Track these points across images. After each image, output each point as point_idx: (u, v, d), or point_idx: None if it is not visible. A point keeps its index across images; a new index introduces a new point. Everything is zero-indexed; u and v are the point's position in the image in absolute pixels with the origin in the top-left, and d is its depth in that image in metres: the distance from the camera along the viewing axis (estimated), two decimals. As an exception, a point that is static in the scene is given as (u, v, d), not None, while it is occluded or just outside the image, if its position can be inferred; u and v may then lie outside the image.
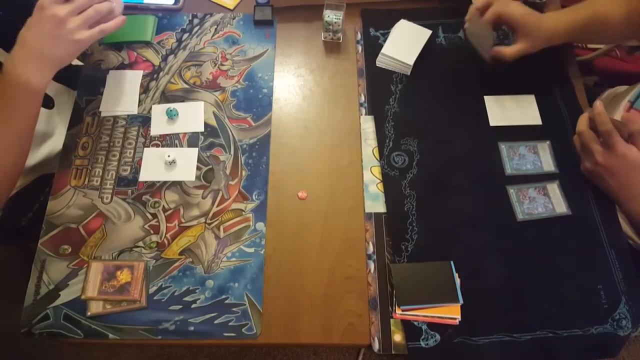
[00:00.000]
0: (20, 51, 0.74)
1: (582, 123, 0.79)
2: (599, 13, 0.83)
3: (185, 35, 0.99)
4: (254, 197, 0.83)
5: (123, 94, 0.92)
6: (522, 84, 0.92)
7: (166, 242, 0.79)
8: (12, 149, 0.76)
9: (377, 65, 0.95)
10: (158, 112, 0.90)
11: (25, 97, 0.75)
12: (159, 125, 0.89)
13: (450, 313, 0.73)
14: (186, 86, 0.93)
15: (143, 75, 0.94)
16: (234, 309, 0.74)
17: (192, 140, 0.88)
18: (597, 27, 0.84)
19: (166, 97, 0.92)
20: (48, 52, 0.75)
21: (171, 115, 0.89)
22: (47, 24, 0.73)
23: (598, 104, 0.75)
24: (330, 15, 0.93)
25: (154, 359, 1.42)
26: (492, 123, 0.88)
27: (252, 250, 0.78)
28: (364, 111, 0.91)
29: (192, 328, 0.73)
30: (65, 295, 0.75)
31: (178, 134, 0.88)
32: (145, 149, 0.87)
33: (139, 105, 0.91)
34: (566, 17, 0.84)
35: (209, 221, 0.81)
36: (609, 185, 0.77)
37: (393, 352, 0.71)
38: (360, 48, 0.98)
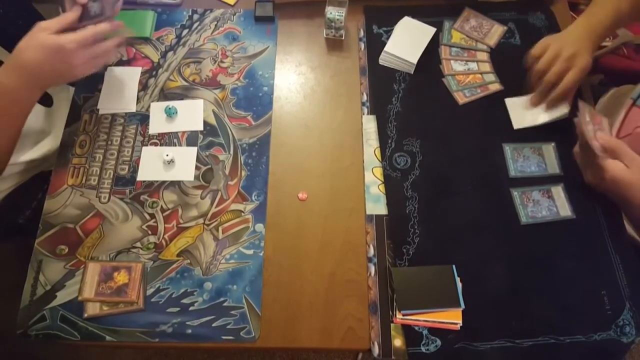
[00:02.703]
0: (17, 70, 0.70)
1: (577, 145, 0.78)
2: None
3: (185, 32, 0.97)
4: (253, 198, 0.81)
5: (121, 91, 0.91)
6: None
7: (164, 243, 0.78)
8: None
9: (379, 63, 0.93)
10: (157, 110, 0.88)
11: (12, 110, 0.73)
12: (157, 124, 0.87)
13: (452, 318, 0.72)
14: (185, 84, 0.92)
15: (142, 72, 0.92)
16: (232, 312, 0.73)
17: (191, 139, 0.86)
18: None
19: (165, 94, 0.90)
20: (46, 79, 0.74)
21: (170, 114, 0.87)
22: (52, 55, 0.70)
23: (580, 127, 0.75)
24: (332, 12, 0.91)
25: (153, 355, 1.42)
26: (516, 126, 0.87)
27: (251, 252, 0.77)
28: (366, 111, 0.89)
29: (189, 331, 0.72)
30: (62, 297, 0.74)
31: (177, 132, 0.87)
32: (144, 147, 0.85)
33: (137, 103, 0.89)
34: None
35: (207, 222, 0.79)
36: (612, 197, 0.77)
37: (393, 357, 0.71)
38: (362, 46, 0.96)
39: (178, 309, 0.74)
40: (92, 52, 0.74)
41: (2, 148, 0.76)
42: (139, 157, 0.84)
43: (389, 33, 0.96)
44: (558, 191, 0.81)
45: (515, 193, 0.81)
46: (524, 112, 0.87)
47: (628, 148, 0.72)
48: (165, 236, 0.79)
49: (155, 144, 0.86)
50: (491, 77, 0.92)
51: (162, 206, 0.81)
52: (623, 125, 0.86)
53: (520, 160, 0.84)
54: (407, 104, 0.89)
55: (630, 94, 0.88)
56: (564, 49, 0.80)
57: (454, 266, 0.74)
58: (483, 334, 0.72)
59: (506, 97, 0.89)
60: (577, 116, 0.75)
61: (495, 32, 0.96)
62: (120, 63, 0.94)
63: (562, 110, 0.83)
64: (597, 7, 0.83)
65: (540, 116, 0.86)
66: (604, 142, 0.71)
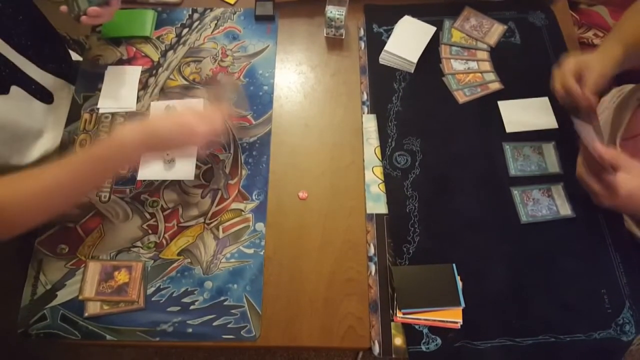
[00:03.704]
0: (143, 131, 0.69)
1: (579, 165, 0.76)
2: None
3: (185, 31, 0.97)
4: (253, 197, 0.81)
5: (121, 90, 0.91)
6: (530, 85, 0.90)
7: (164, 242, 0.78)
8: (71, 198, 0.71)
9: (380, 62, 0.93)
10: (157, 109, 0.88)
11: (114, 165, 0.72)
12: (157, 123, 0.87)
13: (452, 317, 0.72)
14: (185, 82, 0.91)
15: (142, 71, 0.92)
16: (232, 311, 0.73)
17: (192, 138, 0.86)
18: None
19: (165, 93, 0.90)
20: (164, 144, 0.72)
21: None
22: (180, 129, 0.69)
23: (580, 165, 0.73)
24: (332, 11, 0.91)
25: (154, 354, 1.42)
26: (509, 130, 0.86)
27: (251, 251, 0.77)
28: (366, 110, 0.89)
29: (190, 330, 0.72)
30: (63, 296, 0.74)
31: (177, 131, 0.87)
32: (144, 146, 0.85)
33: (137, 102, 0.89)
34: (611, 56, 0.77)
35: (208, 221, 0.79)
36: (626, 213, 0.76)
37: (393, 356, 0.71)
38: (363, 45, 0.96)
39: (179, 308, 0.74)
40: (213, 131, 0.72)
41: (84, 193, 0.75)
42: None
43: (389, 32, 0.95)
44: (558, 190, 0.81)
45: (516, 192, 0.81)
46: (516, 117, 0.87)
47: (625, 156, 0.69)
48: (166, 235, 0.79)
49: (156, 143, 0.86)
50: (491, 76, 0.92)
51: (162, 205, 0.81)
52: (629, 126, 0.86)
53: (520, 159, 0.84)
54: (408, 103, 0.89)
55: (637, 95, 0.87)
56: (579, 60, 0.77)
57: (454, 265, 0.74)
58: (483, 333, 0.72)
59: (505, 97, 0.89)
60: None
61: (495, 31, 0.96)
62: (121, 62, 0.94)
63: (552, 123, 0.86)
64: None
65: (531, 123, 0.87)
66: (602, 155, 0.69)
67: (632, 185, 0.67)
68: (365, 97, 0.91)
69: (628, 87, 0.97)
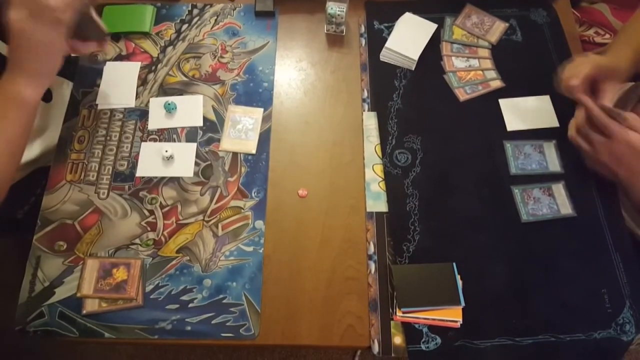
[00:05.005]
0: (11, 66, 0.68)
1: (580, 117, 0.78)
2: None
3: (185, 26, 0.96)
4: (253, 195, 0.81)
5: (120, 86, 0.90)
6: (531, 83, 0.90)
7: (163, 239, 0.78)
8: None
9: (380, 59, 0.93)
10: (156, 105, 0.88)
11: (17, 110, 0.70)
12: (156, 119, 0.87)
13: (452, 316, 0.71)
14: (185, 79, 0.91)
15: (141, 67, 0.92)
16: (231, 309, 0.73)
17: (191, 134, 0.86)
18: None
19: (164, 90, 0.90)
20: (38, 66, 0.69)
21: (169, 109, 0.87)
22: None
23: (585, 99, 0.75)
24: (333, 7, 0.91)
25: (152, 352, 1.42)
26: (510, 128, 0.86)
27: (250, 249, 0.77)
28: (366, 107, 0.89)
29: (189, 328, 0.72)
30: (61, 293, 0.74)
31: (176, 128, 0.86)
32: (143, 143, 0.85)
33: (136, 98, 0.89)
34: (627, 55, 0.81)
35: (207, 219, 0.79)
36: (617, 175, 0.75)
37: (393, 355, 0.70)
38: (363, 41, 0.95)
39: (177, 305, 0.73)
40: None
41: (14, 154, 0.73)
42: (138, 153, 0.84)
43: (390, 29, 0.95)
44: (559, 189, 0.81)
45: (516, 191, 0.81)
46: (517, 115, 0.87)
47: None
48: (165, 232, 0.78)
49: (155, 140, 0.85)
50: (492, 74, 0.91)
51: (161, 202, 0.80)
52: None
53: (521, 158, 0.83)
54: (408, 100, 0.89)
55: (637, 91, 0.87)
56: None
57: (454, 264, 0.74)
58: (483, 332, 0.72)
59: (506, 95, 0.89)
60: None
61: (496, 28, 0.96)
62: (120, 58, 0.93)
63: (554, 122, 0.86)
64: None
65: (532, 121, 0.86)
66: (607, 108, 0.73)
67: (631, 136, 0.71)
68: (365, 94, 0.90)
69: (628, 84, 0.97)
